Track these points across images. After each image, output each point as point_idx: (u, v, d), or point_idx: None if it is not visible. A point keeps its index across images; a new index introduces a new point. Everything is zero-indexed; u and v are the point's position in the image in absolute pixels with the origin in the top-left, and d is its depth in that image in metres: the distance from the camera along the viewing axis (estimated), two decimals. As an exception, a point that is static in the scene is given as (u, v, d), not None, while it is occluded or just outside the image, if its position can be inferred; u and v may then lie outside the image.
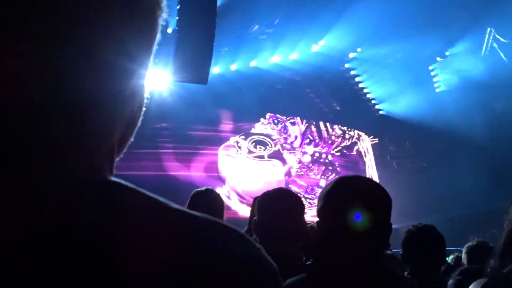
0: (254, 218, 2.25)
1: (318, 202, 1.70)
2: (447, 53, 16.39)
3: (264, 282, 0.57)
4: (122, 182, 0.60)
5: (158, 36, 0.67)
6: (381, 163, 19.37)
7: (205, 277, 0.52)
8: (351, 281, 1.55)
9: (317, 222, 1.69)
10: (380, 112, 19.25)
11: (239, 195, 15.18)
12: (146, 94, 0.68)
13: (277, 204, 2.21)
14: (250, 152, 16.39)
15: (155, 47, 0.67)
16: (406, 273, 3.27)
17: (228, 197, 14.66)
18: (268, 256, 0.60)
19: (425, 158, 19.45)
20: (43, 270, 0.48)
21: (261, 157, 16.54)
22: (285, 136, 17.37)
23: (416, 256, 3.22)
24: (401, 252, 3.42)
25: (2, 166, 0.49)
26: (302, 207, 2.32)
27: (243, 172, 15.62)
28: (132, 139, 0.68)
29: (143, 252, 0.52)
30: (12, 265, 0.48)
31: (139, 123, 0.68)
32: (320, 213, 1.69)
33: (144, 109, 0.69)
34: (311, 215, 16.07)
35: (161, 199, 0.60)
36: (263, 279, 0.57)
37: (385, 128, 19.79)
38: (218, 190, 3.20)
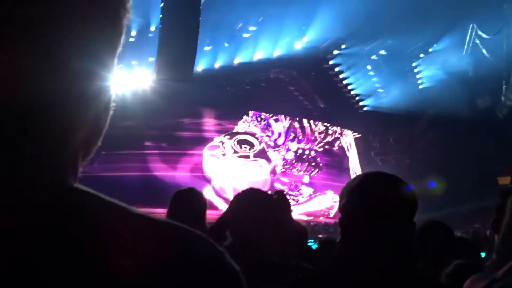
0: (230, 222, 2.25)
1: (341, 199, 1.66)
2: (430, 50, 16.49)
3: (226, 285, 0.57)
4: (84, 188, 0.57)
5: (123, 38, 0.64)
6: (365, 160, 19.48)
7: (174, 282, 0.52)
8: (376, 279, 1.53)
9: (340, 218, 1.65)
10: (364, 108, 19.33)
11: (225, 195, 15.14)
12: (113, 97, 0.65)
13: (250, 207, 2.19)
14: (235, 152, 16.36)
15: (119, 49, 0.64)
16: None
17: (214, 197, 14.62)
18: (231, 260, 0.60)
19: (409, 154, 19.61)
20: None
21: (247, 157, 16.52)
22: (268, 133, 17.37)
23: (427, 252, 3.21)
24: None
25: None
26: (272, 206, 2.29)
27: (228, 172, 15.57)
28: (99, 144, 0.65)
29: (117, 263, 0.51)
30: None
31: (106, 126, 0.65)
32: (343, 210, 1.65)
33: (111, 112, 0.65)
34: (298, 213, 16.23)
35: (124, 204, 0.58)
36: (225, 282, 0.57)
37: (369, 125, 19.92)
38: (204, 190, 3.16)
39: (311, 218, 16.60)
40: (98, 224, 0.53)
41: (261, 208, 2.18)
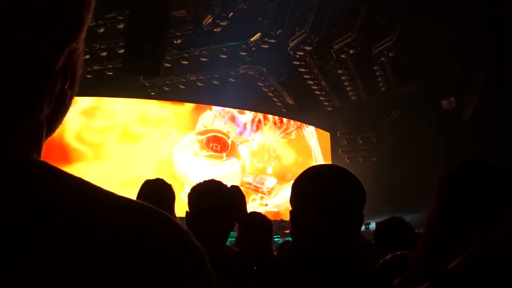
0: (186, 211, 2.28)
1: (291, 192, 1.68)
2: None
3: (192, 262, 0.60)
4: (48, 163, 0.56)
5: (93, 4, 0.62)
6: (333, 157, 19.65)
7: (144, 261, 0.54)
8: (322, 272, 1.52)
9: (290, 211, 1.68)
10: (333, 106, 19.41)
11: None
12: (79, 74, 0.65)
13: (203, 199, 2.25)
14: (206, 151, 16.19)
15: (89, 19, 0.61)
16: None
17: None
18: (196, 241, 0.62)
19: (375, 153, 19.85)
20: None
21: (220, 158, 16.38)
22: (235, 128, 17.31)
23: (387, 248, 3.26)
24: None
25: None
26: (227, 199, 2.31)
27: (201, 173, 15.26)
28: (64, 119, 0.65)
29: (83, 241, 0.51)
30: None
31: (70, 104, 0.65)
32: (291, 204, 1.67)
33: (77, 89, 0.65)
34: (269, 206, 16.30)
35: (93, 183, 0.58)
36: (192, 260, 0.60)
37: (337, 123, 20.11)
38: (177, 190, 3.16)
39: (282, 209, 16.61)
40: (65, 203, 0.52)
41: (216, 198, 2.22)
